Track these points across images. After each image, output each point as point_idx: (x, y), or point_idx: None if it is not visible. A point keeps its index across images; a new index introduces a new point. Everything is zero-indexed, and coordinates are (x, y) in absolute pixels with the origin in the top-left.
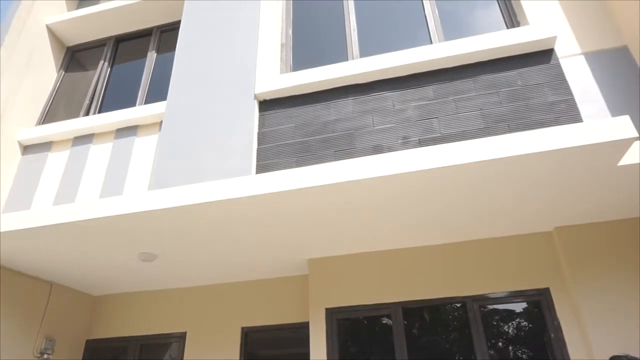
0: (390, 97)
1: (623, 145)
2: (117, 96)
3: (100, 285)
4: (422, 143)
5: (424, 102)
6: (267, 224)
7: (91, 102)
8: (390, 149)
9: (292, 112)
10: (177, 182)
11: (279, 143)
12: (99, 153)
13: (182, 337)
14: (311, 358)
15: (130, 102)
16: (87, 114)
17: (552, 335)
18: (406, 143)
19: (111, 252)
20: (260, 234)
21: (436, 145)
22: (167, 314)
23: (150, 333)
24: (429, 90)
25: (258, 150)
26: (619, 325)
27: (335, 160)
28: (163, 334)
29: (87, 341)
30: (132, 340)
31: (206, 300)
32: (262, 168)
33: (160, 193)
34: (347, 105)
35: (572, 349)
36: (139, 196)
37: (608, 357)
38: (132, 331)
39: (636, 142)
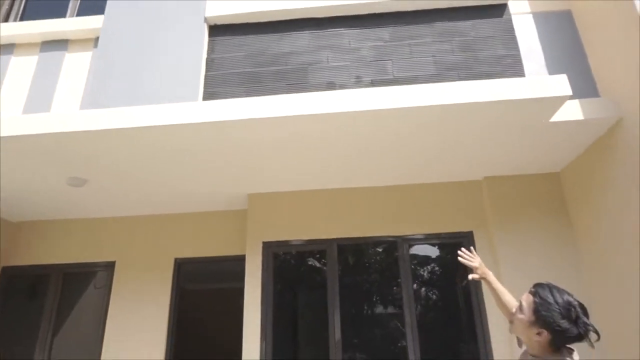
0: (347, 35)
1: (558, 102)
2: (43, 4)
3: (22, 211)
4: (374, 84)
5: (380, 44)
6: (210, 155)
7: (11, 7)
8: (343, 86)
9: (245, 40)
10: (114, 103)
11: (229, 71)
12: (22, 66)
13: (110, 266)
14: (245, 290)
15: (59, 11)
16: (6, 20)
17: (470, 271)
18: (359, 82)
19: (36, 175)
20: (202, 165)
21: (388, 87)
22: (95, 243)
23: (75, 261)
24: (385, 32)
25: (206, 76)
26: (529, 267)
27: (288, 93)
28: (89, 263)
29: (4, 268)
30: (55, 268)
31: (139, 230)
32: (209, 95)
33: (95, 113)
34: (303, 38)
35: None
36: (71, 115)
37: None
38: (55, 259)
39: (569, 101)
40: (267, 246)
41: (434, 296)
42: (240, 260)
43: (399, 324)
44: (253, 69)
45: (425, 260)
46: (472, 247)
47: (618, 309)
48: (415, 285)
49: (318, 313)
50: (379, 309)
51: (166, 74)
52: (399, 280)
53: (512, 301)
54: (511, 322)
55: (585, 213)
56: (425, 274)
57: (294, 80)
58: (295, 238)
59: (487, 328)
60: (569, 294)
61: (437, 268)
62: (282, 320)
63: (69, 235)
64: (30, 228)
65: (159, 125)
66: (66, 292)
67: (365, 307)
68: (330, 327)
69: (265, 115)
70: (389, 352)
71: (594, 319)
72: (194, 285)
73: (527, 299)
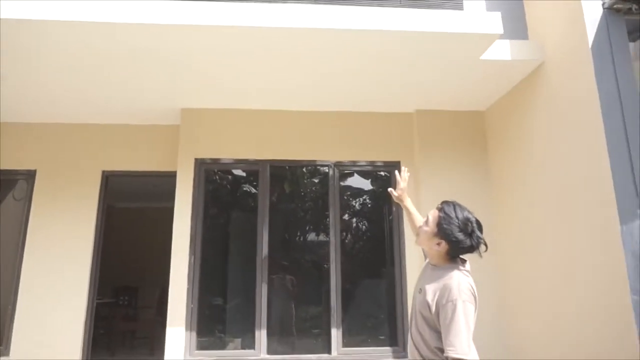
0: None
1: (488, 39)
2: None
3: None
4: (316, 1)
5: None
6: (140, 62)
7: None
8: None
9: None
10: None
11: None
12: None
13: (30, 175)
14: (176, 206)
15: None
16: None
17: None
18: None
19: None
20: (132, 73)
21: (328, 5)
22: (14, 149)
23: None
24: None
25: None
26: (444, 193)
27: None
28: (7, 170)
29: None
30: None
31: (64, 139)
32: None
33: (12, 2)
34: None
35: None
36: None
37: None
38: None
39: (499, 41)
40: (199, 163)
41: (360, 225)
42: (171, 177)
43: (324, 247)
44: None
45: (355, 191)
46: (406, 170)
47: (518, 232)
48: (343, 215)
49: (248, 233)
50: (307, 233)
51: None
52: (327, 205)
53: (421, 220)
54: (417, 234)
55: (501, 151)
56: (354, 204)
57: None
58: (228, 157)
59: (404, 253)
60: (469, 211)
61: (365, 199)
62: (212, 237)
63: None
64: None
65: (82, 22)
66: None
67: (294, 231)
68: (258, 244)
69: (201, 23)
70: (314, 274)
71: (498, 239)
72: (123, 204)
73: (433, 214)
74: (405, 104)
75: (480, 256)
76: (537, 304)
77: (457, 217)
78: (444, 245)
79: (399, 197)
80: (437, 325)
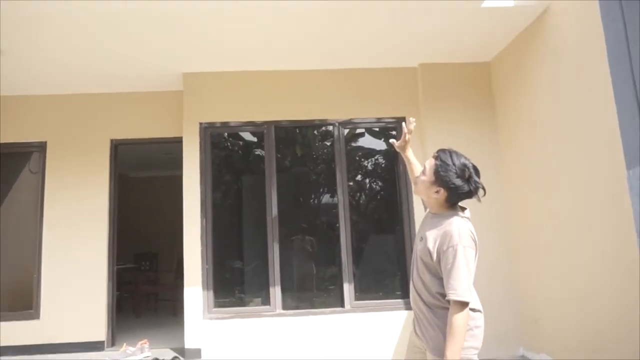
0: None
1: None
2: None
3: None
4: None
5: None
6: (140, 27)
7: None
8: None
9: None
10: None
11: None
12: None
13: (41, 146)
14: (184, 171)
15: None
16: None
17: (400, 156)
18: None
19: None
20: (133, 39)
21: None
22: (23, 122)
23: (5, 141)
24: None
25: None
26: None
27: None
28: (20, 142)
29: None
30: None
31: (69, 110)
32: None
33: None
34: None
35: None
36: None
37: None
38: None
39: None
40: (204, 127)
41: (367, 182)
42: (179, 143)
43: (333, 206)
44: None
45: (360, 149)
46: (413, 121)
47: (527, 185)
48: (350, 173)
49: (257, 195)
50: (315, 192)
51: None
52: (334, 164)
53: (420, 169)
54: (415, 183)
55: (508, 102)
56: (360, 162)
57: None
58: (232, 119)
59: (413, 208)
60: (466, 158)
61: (371, 157)
62: (222, 200)
63: None
64: None
65: None
66: (2, 172)
67: (302, 190)
68: (267, 205)
69: None
70: (324, 233)
71: (505, 192)
72: (136, 173)
73: (430, 163)
74: (408, 58)
75: (479, 201)
76: (547, 263)
77: (454, 164)
78: (442, 192)
79: (400, 147)
80: (438, 271)
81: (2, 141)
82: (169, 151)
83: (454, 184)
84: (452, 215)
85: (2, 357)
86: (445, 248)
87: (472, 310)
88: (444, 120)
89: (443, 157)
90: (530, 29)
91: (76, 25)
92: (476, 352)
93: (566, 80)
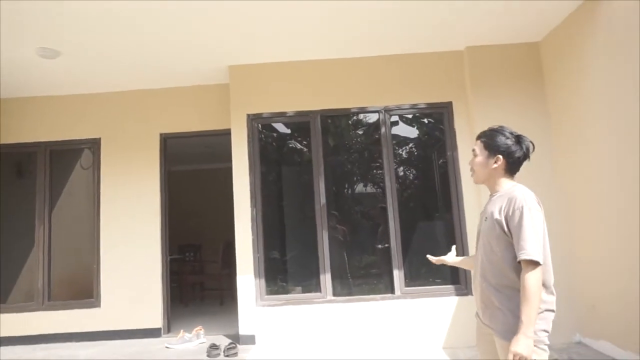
0: None
1: None
2: None
3: None
4: None
5: None
6: (186, 23)
7: None
8: None
9: None
10: None
11: None
12: None
13: (95, 143)
14: (234, 163)
15: None
16: None
17: (448, 142)
18: None
19: (4, 47)
20: (179, 34)
21: None
22: (78, 119)
23: (59, 139)
24: None
25: None
26: None
27: None
28: (74, 140)
29: None
30: (41, 145)
31: (120, 107)
32: None
33: None
34: None
35: (461, 148)
36: None
37: None
38: (40, 136)
39: None
40: (251, 119)
41: (414, 169)
42: (226, 135)
43: (380, 192)
44: None
45: (405, 136)
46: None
47: (582, 169)
48: (397, 159)
49: (303, 184)
50: (361, 180)
51: None
52: (379, 150)
53: (469, 256)
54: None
55: (560, 84)
56: (407, 143)
57: None
58: (278, 110)
59: (462, 195)
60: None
61: (416, 143)
62: (270, 190)
63: (52, 112)
64: (10, 106)
65: None
66: (55, 169)
67: (347, 179)
68: (315, 194)
69: None
70: (371, 221)
71: (558, 177)
72: (178, 167)
73: (476, 145)
74: (454, 41)
75: (529, 159)
76: (606, 247)
77: (497, 131)
78: (501, 160)
79: (439, 261)
80: (510, 242)
81: (56, 139)
82: (209, 145)
83: (506, 145)
84: (514, 185)
85: (68, 343)
86: (511, 212)
87: (549, 292)
88: (493, 104)
89: (485, 133)
90: (585, 6)
91: (126, 24)
92: (547, 335)
93: (622, 60)
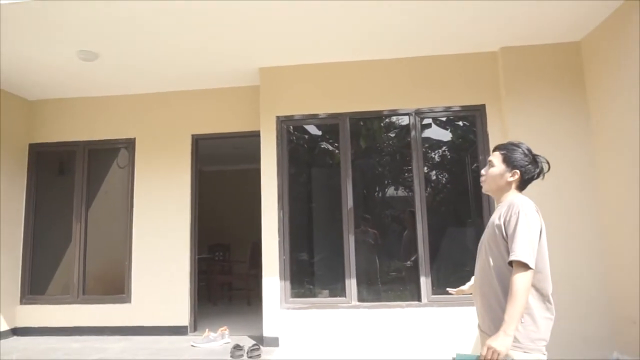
0: None
1: None
2: None
3: (38, 89)
4: None
5: None
6: (219, 25)
7: None
8: None
9: None
10: None
11: None
12: None
13: (130, 143)
14: (262, 165)
15: None
16: None
17: (480, 146)
18: None
19: (44, 49)
20: (211, 37)
21: None
22: (115, 120)
23: (97, 138)
24: None
25: None
26: (536, 138)
27: None
28: (111, 140)
29: (31, 145)
30: (79, 145)
31: (154, 108)
32: None
33: None
34: None
35: None
36: None
37: None
38: (78, 136)
39: None
40: (281, 121)
41: (443, 174)
42: (255, 137)
43: (409, 198)
44: None
45: (436, 140)
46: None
47: (624, 177)
48: (426, 162)
49: (331, 187)
50: (390, 184)
51: None
52: (412, 151)
53: None
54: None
55: (602, 86)
56: (439, 146)
57: None
58: (307, 112)
59: (492, 201)
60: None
61: (448, 147)
62: (297, 193)
63: (90, 113)
64: (50, 106)
65: None
66: (93, 168)
67: (376, 182)
68: (343, 197)
69: None
70: (398, 226)
71: (598, 184)
72: (208, 167)
73: (494, 156)
74: (488, 42)
75: (543, 178)
76: None
77: (518, 147)
78: (517, 174)
79: (459, 292)
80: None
81: (94, 139)
82: (238, 146)
83: (525, 162)
84: (516, 195)
85: (99, 336)
86: (509, 217)
87: (546, 301)
88: (528, 108)
89: (505, 146)
90: (627, 4)
91: (161, 28)
92: (545, 344)
93: None
